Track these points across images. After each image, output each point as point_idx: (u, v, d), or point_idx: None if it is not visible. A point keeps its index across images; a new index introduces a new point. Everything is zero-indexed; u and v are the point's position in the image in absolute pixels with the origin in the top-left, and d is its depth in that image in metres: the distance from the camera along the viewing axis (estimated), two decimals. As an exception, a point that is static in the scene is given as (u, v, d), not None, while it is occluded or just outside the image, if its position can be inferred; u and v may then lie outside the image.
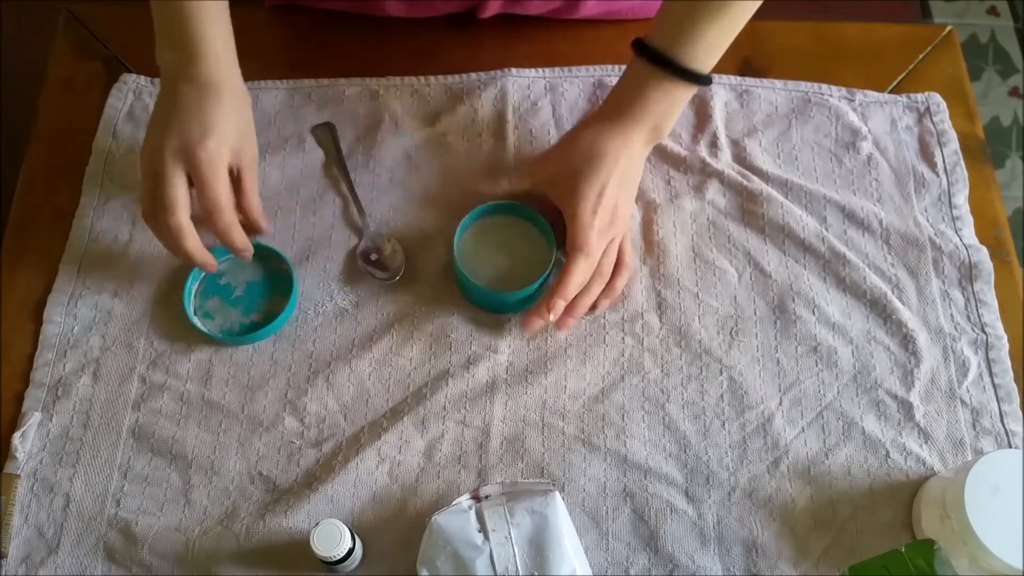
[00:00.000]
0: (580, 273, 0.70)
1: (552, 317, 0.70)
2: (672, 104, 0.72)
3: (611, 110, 0.73)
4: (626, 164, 0.71)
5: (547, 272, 0.72)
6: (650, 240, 0.78)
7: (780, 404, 0.72)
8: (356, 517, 0.68)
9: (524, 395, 0.72)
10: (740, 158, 0.82)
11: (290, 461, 0.70)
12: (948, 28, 0.90)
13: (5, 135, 1.53)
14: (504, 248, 0.75)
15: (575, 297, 0.71)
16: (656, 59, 0.69)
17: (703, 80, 0.70)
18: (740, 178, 0.81)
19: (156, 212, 0.67)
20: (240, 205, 0.72)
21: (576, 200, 0.70)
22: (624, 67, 0.82)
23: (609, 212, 0.71)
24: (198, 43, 0.68)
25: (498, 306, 0.75)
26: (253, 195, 0.73)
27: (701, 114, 0.84)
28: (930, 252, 0.78)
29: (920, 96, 0.86)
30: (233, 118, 0.69)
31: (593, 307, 0.73)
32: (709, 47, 0.69)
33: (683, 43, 0.69)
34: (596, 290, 0.72)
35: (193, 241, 0.68)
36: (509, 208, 0.76)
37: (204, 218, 0.68)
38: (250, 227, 0.73)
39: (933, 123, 0.84)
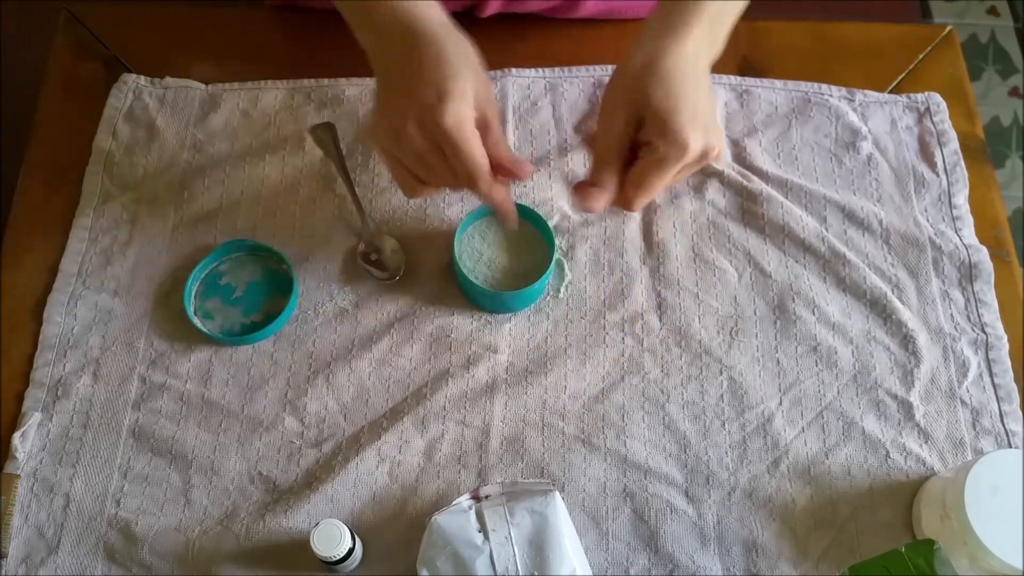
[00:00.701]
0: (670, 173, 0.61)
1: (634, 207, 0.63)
2: (725, 18, 0.67)
3: (673, 26, 0.64)
4: (700, 78, 0.63)
5: (548, 272, 0.72)
6: (650, 240, 0.78)
7: (780, 404, 0.72)
8: (356, 517, 0.68)
9: (524, 395, 0.72)
10: (740, 158, 0.82)
11: (290, 461, 0.70)
12: (948, 28, 0.90)
13: (5, 135, 1.53)
14: (504, 248, 0.75)
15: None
16: None
17: None
18: (740, 178, 0.81)
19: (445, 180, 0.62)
20: (493, 157, 0.62)
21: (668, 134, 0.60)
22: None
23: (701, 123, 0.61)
24: None
25: (499, 306, 0.75)
26: (503, 143, 0.63)
27: (701, 114, 0.84)
28: (930, 252, 0.78)
29: (920, 96, 0.86)
30: (461, 65, 0.60)
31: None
32: None
33: None
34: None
35: (500, 191, 0.63)
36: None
37: (463, 185, 0.62)
38: (510, 175, 0.64)
39: (933, 123, 0.84)
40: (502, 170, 0.63)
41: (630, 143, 0.63)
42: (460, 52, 0.61)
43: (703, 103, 0.62)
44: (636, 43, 0.65)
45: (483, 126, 0.62)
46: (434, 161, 0.61)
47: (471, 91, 0.60)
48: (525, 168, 0.64)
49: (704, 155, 0.62)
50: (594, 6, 0.87)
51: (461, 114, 0.59)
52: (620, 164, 0.63)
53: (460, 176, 0.61)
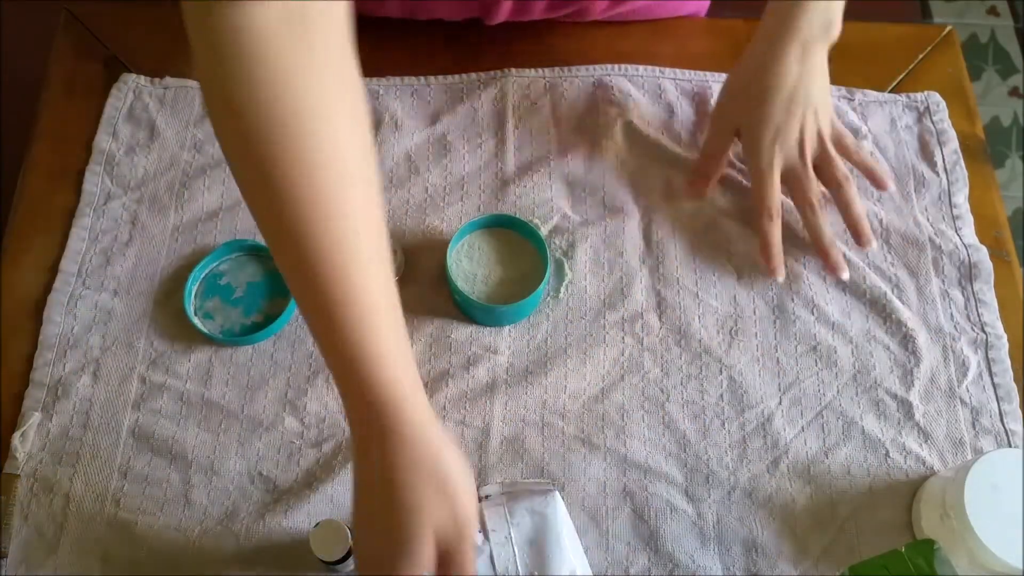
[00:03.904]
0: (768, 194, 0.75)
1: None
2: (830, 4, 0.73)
3: (773, 29, 0.74)
4: (795, 85, 0.74)
5: (542, 285, 0.72)
6: (650, 240, 0.78)
7: (780, 403, 0.72)
8: (356, 517, 0.68)
9: (524, 395, 0.72)
10: (740, 158, 0.82)
11: (290, 461, 0.70)
12: (948, 28, 0.90)
13: (5, 135, 1.53)
14: (498, 261, 0.75)
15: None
16: None
17: None
18: (740, 178, 0.81)
19: None
20: None
21: (752, 143, 0.75)
22: (622, 65, 0.82)
23: (784, 139, 0.74)
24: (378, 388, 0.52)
25: (493, 320, 0.74)
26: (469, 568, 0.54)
27: (701, 113, 0.84)
28: (930, 251, 0.78)
29: (920, 96, 0.86)
30: (415, 516, 0.52)
31: (857, 235, 0.77)
32: None
33: None
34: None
35: None
36: (503, 221, 0.76)
37: None
38: None
39: (933, 123, 0.84)
40: None
41: (728, 149, 0.79)
42: (425, 489, 0.52)
43: (792, 110, 0.74)
44: (747, 48, 0.76)
45: (447, 561, 0.53)
46: None
47: (425, 552, 0.52)
48: None
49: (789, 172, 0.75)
50: (600, 14, 0.87)
51: (422, 558, 0.51)
52: (718, 165, 0.79)
53: None
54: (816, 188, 0.75)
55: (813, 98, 0.74)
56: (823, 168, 0.76)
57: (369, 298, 0.52)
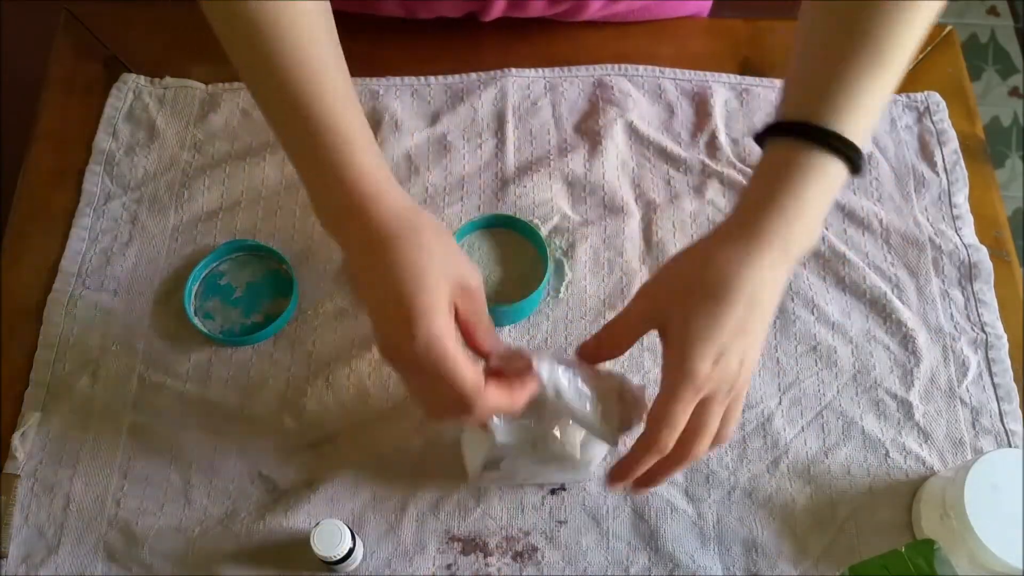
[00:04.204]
0: (659, 435, 0.53)
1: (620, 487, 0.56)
2: (815, 198, 0.52)
3: (735, 224, 0.54)
4: (754, 294, 0.52)
5: (542, 285, 0.72)
6: (650, 240, 0.78)
7: (780, 403, 0.72)
8: (356, 517, 0.68)
9: (524, 395, 0.72)
10: (740, 157, 0.82)
11: (290, 461, 0.70)
12: (948, 28, 0.90)
13: (5, 135, 1.53)
14: (498, 261, 0.75)
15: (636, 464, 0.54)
16: (793, 130, 0.53)
17: (857, 161, 0.52)
18: (740, 178, 0.81)
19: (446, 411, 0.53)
20: (484, 352, 0.56)
21: (682, 347, 0.52)
22: (622, 65, 0.82)
23: (724, 367, 0.52)
24: (342, 169, 0.53)
25: (493, 320, 0.74)
26: (493, 337, 0.56)
27: (701, 113, 0.84)
28: (930, 251, 0.78)
29: (920, 95, 0.86)
30: (425, 269, 0.51)
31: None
32: (863, 111, 0.52)
33: (831, 107, 0.52)
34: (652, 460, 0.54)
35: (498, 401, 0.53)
36: (503, 221, 0.76)
37: (455, 414, 0.53)
38: (507, 381, 0.54)
39: (933, 122, 0.84)
40: (497, 373, 0.54)
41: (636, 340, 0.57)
42: (422, 250, 0.52)
43: (740, 332, 0.52)
44: (708, 235, 0.55)
45: (467, 325, 0.54)
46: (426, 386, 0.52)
47: (443, 298, 0.51)
48: (523, 372, 0.54)
49: (731, 394, 0.54)
50: (596, 11, 0.87)
51: (431, 334, 0.50)
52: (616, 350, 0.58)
53: (448, 404, 0.52)
54: (707, 442, 0.55)
55: (764, 323, 0.54)
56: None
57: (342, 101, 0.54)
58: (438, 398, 0.52)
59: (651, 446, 0.53)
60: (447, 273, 0.52)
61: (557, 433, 0.60)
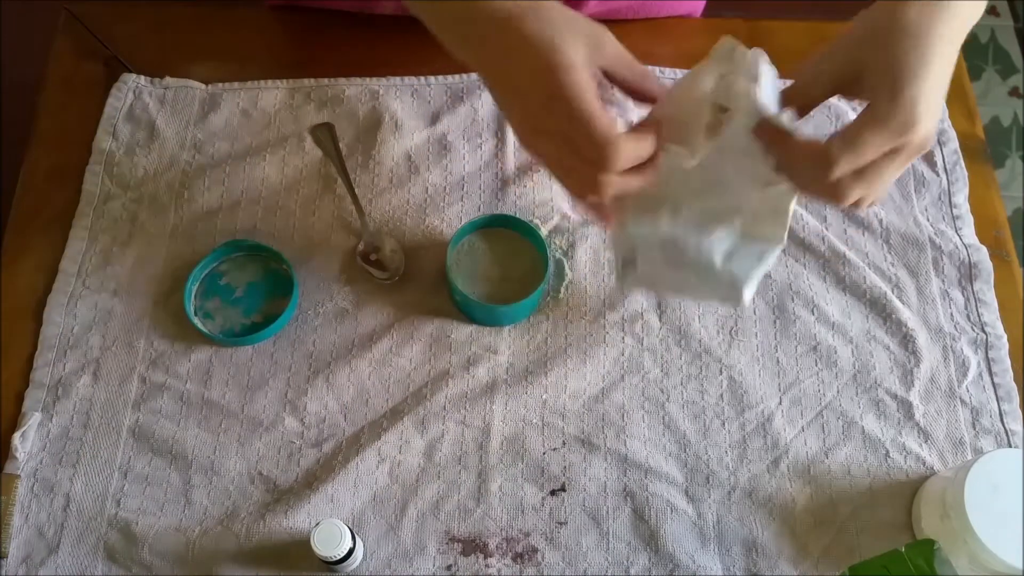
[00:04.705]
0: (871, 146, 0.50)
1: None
2: None
3: None
4: (949, 44, 0.52)
5: (542, 285, 0.72)
6: (650, 240, 0.78)
7: (780, 403, 0.72)
8: (356, 517, 0.68)
9: (524, 395, 0.72)
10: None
11: (290, 461, 0.70)
12: (948, 28, 0.90)
13: (5, 135, 1.53)
14: (498, 261, 0.75)
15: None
16: None
17: None
18: (740, 178, 0.81)
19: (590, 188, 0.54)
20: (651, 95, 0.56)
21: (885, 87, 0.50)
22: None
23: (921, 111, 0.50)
24: None
25: (493, 320, 0.74)
26: (651, 78, 0.56)
27: (701, 114, 0.84)
28: (930, 251, 0.78)
29: (920, 96, 0.86)
30: (556, 33, 0.52)
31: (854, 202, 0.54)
32: None
33: None
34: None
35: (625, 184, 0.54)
36: (503, 221, 0.76)
37: (595, 171, 0.53)
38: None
39: (933, 123, 0.84)
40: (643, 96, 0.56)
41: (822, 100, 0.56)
42: (549, 20, 0.52)
43: (941, 82, 0.51)
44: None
45: (624, 79, 0.55)
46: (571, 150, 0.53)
47: (581, 53, 0.52)
48: (653, 92, 0.56)
49: (921, 147, 0.51)
50: (593, 9, 0.87)
51: (575, 84, 0.51)
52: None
53: (588, 169, 0.52)
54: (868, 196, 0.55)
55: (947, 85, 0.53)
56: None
57: None
58: (580, 164, 0.53)
59: (820, 162, 0.51)
60: (579, 32, 0.53)
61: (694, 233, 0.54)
